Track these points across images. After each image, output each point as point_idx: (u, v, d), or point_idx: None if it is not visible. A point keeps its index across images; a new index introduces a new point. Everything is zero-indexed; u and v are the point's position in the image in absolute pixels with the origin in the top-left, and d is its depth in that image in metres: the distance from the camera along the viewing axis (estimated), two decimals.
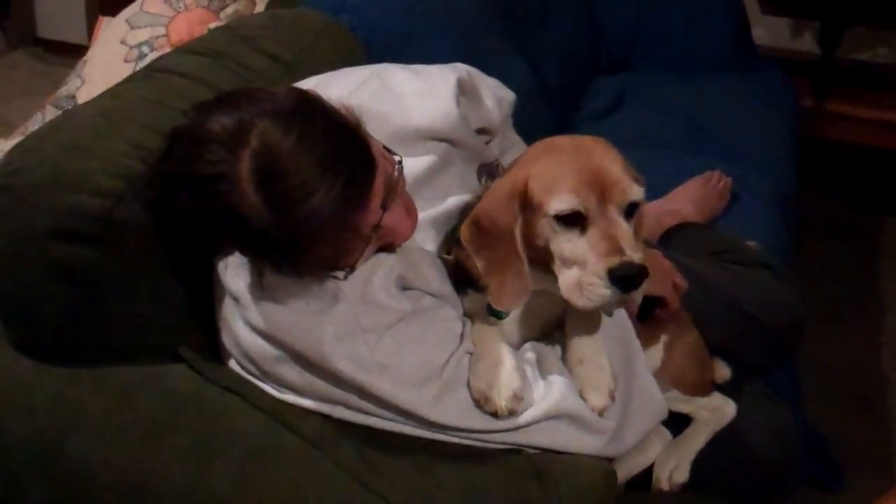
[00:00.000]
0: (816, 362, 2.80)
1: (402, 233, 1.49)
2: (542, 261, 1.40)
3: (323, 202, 1.26)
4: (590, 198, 1.33)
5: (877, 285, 3.49)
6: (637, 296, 1.32)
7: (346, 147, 1.32)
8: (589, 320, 1.50)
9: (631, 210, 1.37)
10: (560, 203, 1.34)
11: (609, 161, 1.37)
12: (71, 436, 1.41)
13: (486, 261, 1.43)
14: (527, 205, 1.39)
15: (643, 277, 1.30)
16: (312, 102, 1.36)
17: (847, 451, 2.61)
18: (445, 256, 1.58)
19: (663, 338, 1.71)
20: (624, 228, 1.33)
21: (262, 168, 1.26)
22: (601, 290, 1.30)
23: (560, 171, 1.37)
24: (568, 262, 1.35)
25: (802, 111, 3.49)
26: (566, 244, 1.35)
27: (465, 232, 1.45)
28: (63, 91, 2.57)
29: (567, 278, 1.35)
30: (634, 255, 1.30)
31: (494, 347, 1.43)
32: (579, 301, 1.33)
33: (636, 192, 1.37)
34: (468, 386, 1.41)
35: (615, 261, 1.29)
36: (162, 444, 1.39)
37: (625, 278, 1.29)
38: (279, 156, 1.26)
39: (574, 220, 1.34)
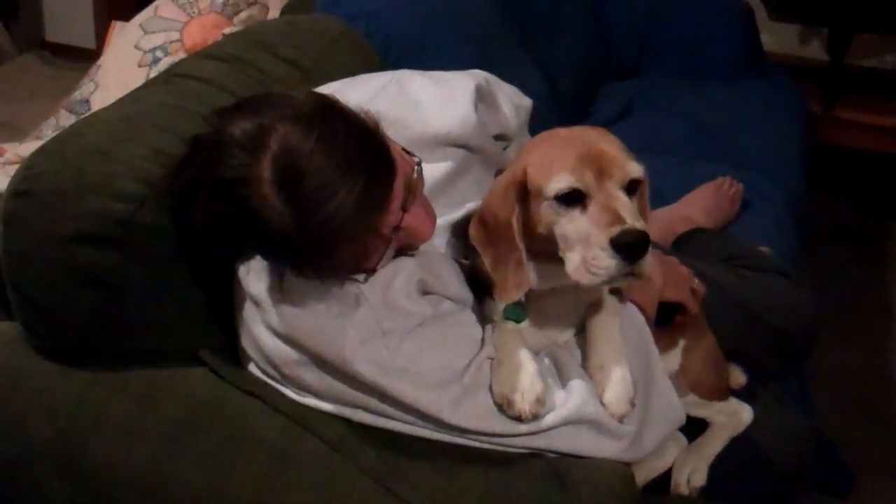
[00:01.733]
0: (825, 367, 2.80)
1: (422, 234, 1.49)
2: (550, 253, 1.41)
3: (344, 203, 1.27)
4: (587, 175, 1.35)
5: (884, 291, 3.49)
6: (644, 267, 1.31)
7: (365, 149, 1.33)
8: (609, 326, 1.50)
9: (632, 187, 1.38)
10: (558, 183, 1.36)
11: (605, 142, 1.40)
12: (92, 439, 1.42)
13: (491, 257, 1.45)
14: (527, 194, 1.41)
15: (646, 244, 1.30)
16: (331, 105, 1.37)
17: (856, 455, 2.61)
18: (463, 261, 1.59)
19: (681, 342, 1.71)
20: (624, 201, 1.34)
21: (283, 171, 1.27)
22: (606, 262, 1.30)
23: (556, 155, 1.39)
24: (572, 243, 1.36)
25: (811, 117, 3.49)
26: (569, 225, 1.37)
27: (472, 230, 1.48)
28: (77, 95, 2.59)
29: (573, 259, 1.36)
30: (636, 223, 1.30)
31: (516, 352, 1.44)
32: (586, 278, 1.33)
33: (635, 168, 1.38)
34: (490, 390, 1.42)
35: (616, 229, 1.29)
36: (183, 447, 1.40)
37: (628, 246, 1.29)
38: (300, 158, 1.27)
39: (574, 199, 1.36)
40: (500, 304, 1.52)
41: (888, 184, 3.96)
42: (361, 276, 1.42)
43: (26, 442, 1.45)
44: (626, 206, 1.33)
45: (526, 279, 1.44)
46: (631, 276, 1.32)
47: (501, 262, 1.44)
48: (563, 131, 1.49)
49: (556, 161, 1.38)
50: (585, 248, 1.33)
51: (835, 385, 2.90)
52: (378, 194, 1.33)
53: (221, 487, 1.37)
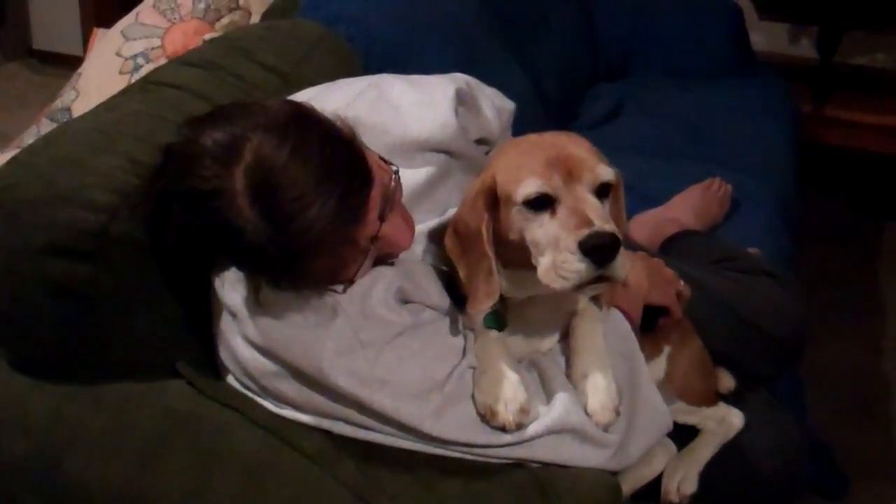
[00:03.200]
0: (818, 368, 2.78)
1: (401, 243, 1.47)
2: (523, 260, 1.39)
3: (319, 215, 1.25)
4: (555, 179, 1.34)
5: (877, 290, 3.48)
6: (615, 270, 1.29)
7: (341, 159, 1.31)
8: (592, 334, 1.49)
9: (603, 191, 1.37)
10: (526, 188, 1.34)
11: (574, 146, 1.39)
12: (68, 454, 1.40)
13: (464, 268, 1.44)
14: (497, 201, 1.40)
15: (616, 247, 1.28)
16: (306, 115, 1.35)
17: (850, 457, 2.59)
18: (443, 268, 1.57)
19: (666, 349, 1.69)
20: (593, 204, 1.32)
21: (256, 182, 1.25)
22: (575, 266, 1.28)
23: (524, 160, 1.38)
24: (542, 248, 1.34)
25: (801, 116, 3.48)
26: (538, 229, 1.35)
27: (446, 241, 1.47)
28: (58, 103, 2.56)
29: (543, 263, 1.33)
30: (605, 225, 1.28)
31: (498, 361, 1.42)
32: (556, 283, 1.31)
33: (605, 171, 1.36)
34: (473, 400, 1.40)
35: (584, 232, 1.27)
36: (160, 461, 1.38)
37: (596, 248, 1.27)
38: (273, 169, 1.25)
39: (542, 204, 1.34)
40: (480, 314, 1.50)
41: (880, 182, 3.95)
42: (340, 287, 1.39)
43: (1, 457, 1.43)
44: (595, 209, 1.31)
45: (496, 288, 1.42)
46: (602, 279, 1.30)
47: (473, 271, 1.43)
48: (532, 137, 1.47)
49: (524, 166, 1.37)
50: (555, 253, 1.31)
51: (828, 386, 2.88)
52: (354, 205, 1.31)
53: (199, 501, 1.35)
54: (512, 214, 1.38)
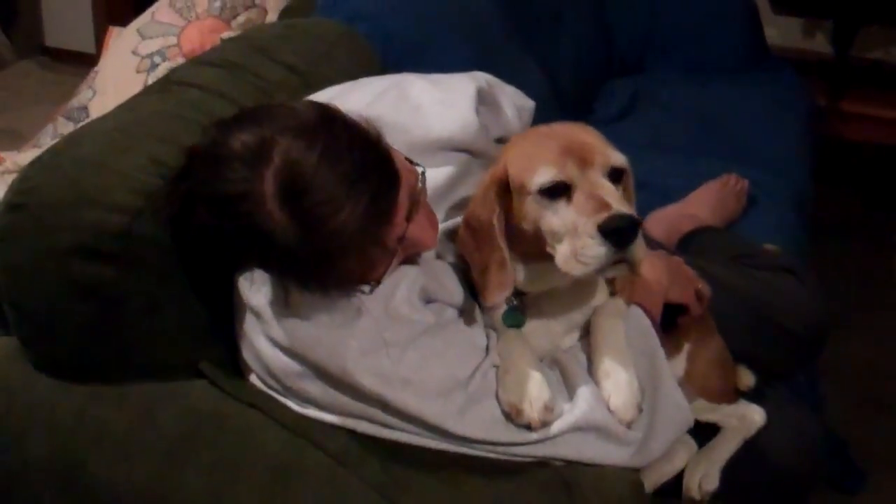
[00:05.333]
0: (834, 363, 2.76)
1: (426, 243, 1.47)
2: (538, 252, 1.40)
3: (349, 218, 1.25)
4: (569, 165, 1.35)
5: (892, 285, 3.47)
6: (635, 253, 1.30)
7: (370, 161, 1.31)
8: (614, 331, 1.49)
9: (616, 175, 1.38)
10: (541, 176, 1.36)
11: (584, 133, 1.41)
12: (93, 454, 1.40)
13: (476, 261, 1.45)
14: (510, 192, 1.41)
15: (636, 228, 1.29)
16: (334, 117, 1.34)
17: (866, 452, 2.60)
18: (464, 267, 1.57)
19: (686, 346, 1.69)
20: (609, 187, 1.34)
21: (286, 185, 1.24)
22: (595, 250, 1.29)
23: (536, 150, 1.40)
24: (559, 236, 1.35)
25: (817, 111, 3.46)
26: (554, 217, 1.36)
27: (459, 236, 1.48)
28: (75, 102, 2.57)
29: (562, 251, 1.34)
30: (623, 207, 1.29)
31: (521, 359, 1.42)
32: (577, 269, 1.32)
33: (617, 157, 1.38)
34: (497, 399, 1.40)
35: (603, 215, 1.28)
36: (185, 461, 1.38)
37: (616, 231, 1.28)
38: (304, 172, 1.24)
39: (558, 191, 1.36)
40: (499, 311, 1.52)
41: (895, 176, 3.93)
42: (367, 287, 1.39)
43: (25, 458, 1.43)
44: (611, 193, 1.32)
45: (509, 280, 1.43)
46: (622, 262, 1.31)
47: (485, 263, 1.44)
48: (541, 128, 1.50)
49: (536, 155, 1.38)
50: (574, 239, 1.32)
51: (845, 381, 2.88)
52: (383, 207, 1.31)
53: (224, 502, 1.35)
54: (526, 204, 1.39)
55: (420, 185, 1.42)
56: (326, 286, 1.34)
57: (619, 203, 1.30)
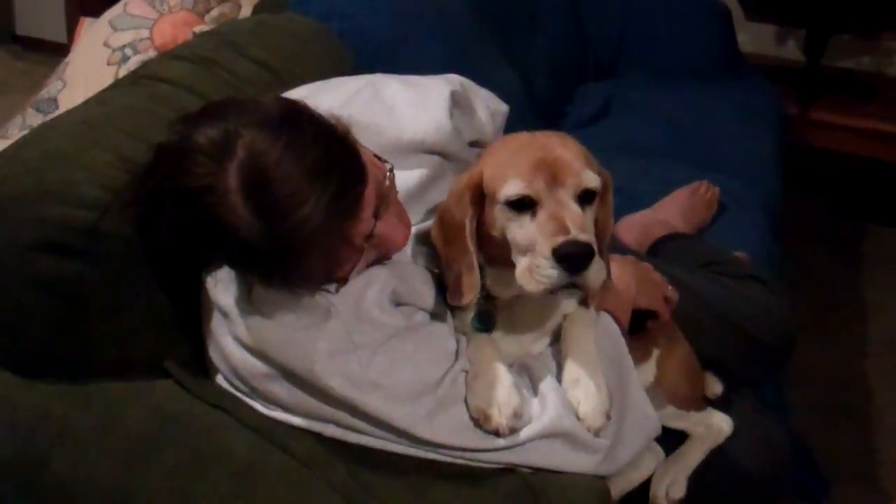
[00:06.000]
0: (800, 371, 2.79)
1: (396, 242, 1.46)
2: (506, 258, 1.40)
3: (313, 212, 1.24)
4: (538, 182, 1.35)
5: (860, 293, 3.49)
6: (588, 279, 1.30)
7: (335, 156, 1.30)
8: (583, 338, 1.49)
9: (587, 197, 1.38)
10: (509, 188, 1.36)
11: (562, 148, 1.39)
12: (55, 453, 1.37)
13: (445, 259, 1.46)
14: (483, 197, 1.42)
15: (589, 257, 1.29)
16: (299, 111, 1.34)
17: (832, 460, 2.60)
18: (436, 271, 1.56)
19: (655, 352, 1.70)
20: (573, 210, 1.34)
21: (249, 179, 1.23)
22: (548, 271, 1.30)
23: (511, 160, 1.40)
24: (521, 249, 1.36)
25: (787, 119, 3.48)
26: (519, 230, 1.37)
27: (432, 230, 1.49)
28: (44, 93, 2.53)
29: (521, 265, 1.35)
30: (581, 234, 1.29)
31: (491, 364, 1.42)
32: (531, 285, 1.33)
33: (590, 178, 1.37)
34: (466, 404, 1.40)
35: (559, 240, 1.29)
36: (148, 462, 1.35)
37: (568, 257, 1.29)
38: (267, 166, 1.23)
39: (524, 205, 1.36)
40: (469, 314, 1.51)
41: (864, 185, 3.97)
42: (333, 287, 1.38)
43: None
44: (573, 217, 1.32)
45: (476, 282, 1.44)
46: (574, 287, 1.32)
47: (455, 263, 1.45)
48: (524, 136, 1.48)
49: (510, 166, 1.38)
50: (531, 256, 1.33)
51: (811, 388, 2.89)
52: (348, 202, 1.30)
53: (188, 503, 1.33)
54: (496, 212, 1.39)
55: (388, 182, 1.41)
56: (291, 283, 1.32)
57: (577, 228, 1.30)
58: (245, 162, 1.24)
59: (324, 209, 1.24)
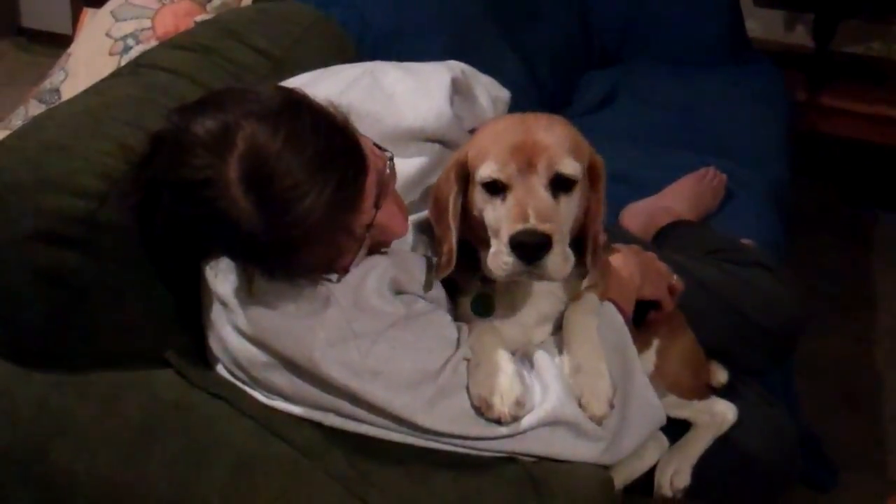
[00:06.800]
0: (809, 359, 2.77)
1: (396, 230, 1.45)
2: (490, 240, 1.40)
3: (315, 204, 1.23)
4: (510, 166, 1.35)
5: (869, 281, 3.46)
6: (546, 269, 1.30)
7: (336, 147, 1.29)
8: (587, 326, 1.47)
9: (563, 185, 1.37)
10: (484, 170, 1.37)
11: (545, 133, 1.38)
12: (55, 443, 1.38)
13: (437, 235, 1.48)
14: (469, 176, 1.42)
15: (544, 248, 1.29)
16: (299, 102, 1.33)
17: (839, 449, 2.58)
18: (435, 259, 1.55)
19: (655, 342, 1.68)
20: (540, 198, 1.33)
21: (250, 171, 1.22)
22: (505, 258, 1.31)
23: (493, 141, 1.39)
24: (493, 231, 1.36)
25: (795, 105, 3.46)
26: (491, 213, 1.37)
27: (429, 206, 1.50)
28: (47, 84, 2.54)
29: (491, 249, 1.35)
30: (541, 224, 1.29)
31: (493, 352, 1.41)
32: (494, 271, 1.34)
33: (566, 165, 1.36)
34: (468, 393, 1.39)
35: (517, 228, 1.29)
36: (148, 451, 1.36)
37: (522, 245, 1.29)
38: (268, 158, 1.22)
39: (497, 188, 1.36)
40: (468, 299, 1.51)
41: (873, 172, 3.94)
42: (334, 276, 1.37)
43: None
44: (540, 205, 1.32)
45: (452, 259, 1.45)
46: (533, 275, 1.33)
47: (441, 238, 1.47)
48: (514, 117, 1.47)
49: (489, 147, 1.38)
50: (496, 241, 1.33)
51: (819, 377, 2.87)
52: (350, 193, 1.29)
53: (188, 493, 1.34)
54: (476, 192, 1.40)
55: (388, 171, 1.40)
56: (293, 274, 1.32)
57: (539, 218, 1.30)
58: (245, 154, 1.23)
59: (325, 201, 1.24)
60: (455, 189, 1.42)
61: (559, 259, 1.30)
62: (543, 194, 1.33)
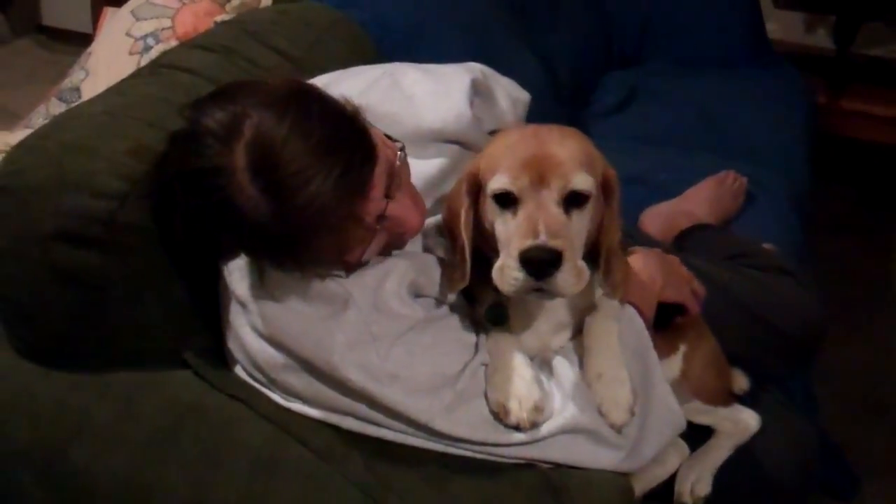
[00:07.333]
0: (829, 365, 2.73)
1: (409, 224, 1.44)
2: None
3: (321, 190, 1.23)
4: (522, 179, 1.32)
5: (888, 285, 3.44)
6: (558, 288, 1.28)
7: (342, 133, 1.29)
8: (607, 332, 1.46)
9: (576, 200, 1.35)
10: (495, 182, 1.35)
11: (558, 147, 1.36)
12: (74, 443, 1.39)
13: (449, 246, 1.47)
14: (481, 188, 1.40)
15: (555, 264, 1.27)
16: (307, 91, 1.34)
17: (861, 457, 2.56)
18: None
19: (682, 347, 1.66)
20: (552, 213, 1.31)
21: (256, 158, 1.23)
22: (514, 274, 1.28)
23: (504, 154, 1.37)
24: (502, 245, 1.34)
25: (816, 108, 3.43)
26: (502, 226, 1.35)
27: (442, 218, 1.49)
28: (67, 83, 2.54)
29: (499, 262, 1.33)
30: (551, 240, 1.27)
31: (511, 358, 1.40)
32: (501, 283, 1.31)
33: (579, 180, 1.34)
34: (486, 398, 1.38)
35: (526, 243, 1.27)
36: (166, 453, 1.36)
37: (532, 262, 1.26)
38: (273, 145, 1.23)
39: (508, 202, 1.34)
40: (482, 308, 1.50)
41: (894, 175, 3.90)
42: (343, 273, 1.38)
43: (5, 446, 1.42)
44: (551, 220, 1.29)
45: (465, 273, 1.42)
46: (543, 293, 1.30)
47: (452, 252, 1.45)
48: (527, 129, 1.45)
49: (502, 160, 1.36)
50: (505, 255, 1.31)
51: (840, 383, 2.84)
52: (357, 179, 1.28)
53: (206, 495, 1.34)
54: (487, 204, 1.38)
55: (400, 161, 1.39)
56: (302, 265, 1.32)
57: (549, 234, 1.27)
58: (252, 141, 1.24)
59: (331, 186, 1.24)
60: (467, 202, 1.40)
61: (570, 275, 1.28)
62: (555, 210, 1.31)
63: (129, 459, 1.37)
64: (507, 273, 1.29)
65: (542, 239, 1.26)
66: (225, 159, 1.24)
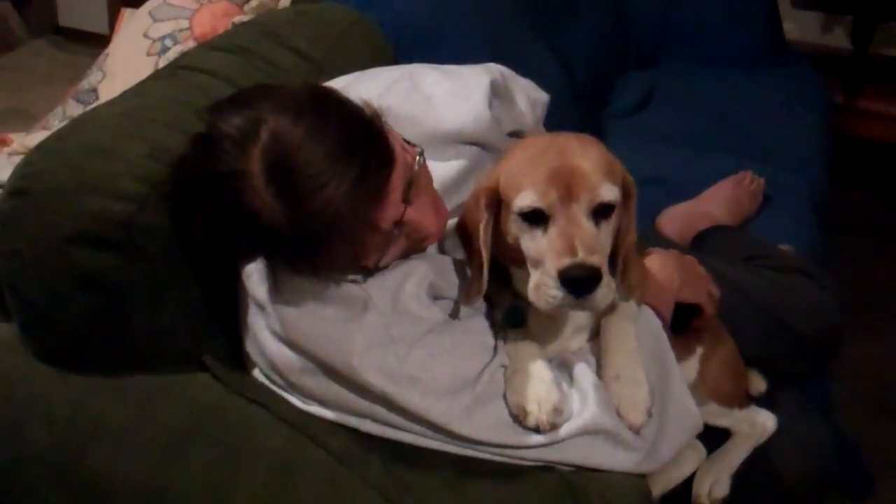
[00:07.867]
0: (845, 366, 2.71)
1: (429, 229, 1.44)
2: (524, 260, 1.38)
3: (335, 194, 1.23)
4: (551, 195, 1.30)
5: None
6: (596, 303, 1.28)
7: (359, 137, 1.29)
8: (624, 333, 1.45)
9: (604, 211, 1.33)
10: (522, 200, 1.32)
11: (581, 158, 1.33)
12: (91, 447, 1.38)
13: (466, 257, 1.45)
14: (500, 202, 1.38)
15: (595, 281, 1.26)
16: (325, 95, 1.34)
17: (877, 457, 2.55)
18: None
19: (699, 349, 1.66)
20: (585, 228, 1.29)
21: (272, 162, 1.23)
22: (553, 292, 1.27)
23: (527, 168, 1.35)
24: (533, 262, 1.33)
25: (833, 108, 3.42)
26: (531, 243, 1.33)
27: (457, 226, 1.47)
28: (84, 84, 2.55)
29: (533, 280, 1.32)
30: (589, 257, 1.26)
31: (530, 360, 1.39)
32: (538, 301, 1.30)
33: (606, 191, 1.32)
34: (505, 400, 1.37)
35: (565, 262, 1.26)
36: (184, 456, 1.36)
37: (573, 280, 1.26)
38: (289, 149, 1.23)
39: (537, 218, 1.32)
40: (499, 312, 1.50)
41: None
42: (360, 277, 1.38)
43: (23, 449, 1.41)
44: (585, 236, 1.28)
45: (481, 288, 1.41)
46: (580, 308, 1.30)
47: (469, 264, 1.44)
48: (544, 139, 1.43)
49: (525, 175, 1.34)
50: (540, 273, 1.30)
51: (856, 383, 2.83)
52: (372, 185, 1.28)
53: (224, 499, 1.33)
54: (511, 221, 1.36)
55: (418, 166, 1.39)
56: (318, 269, 1.32)
57: (587, 251, 1.26)
58: (268, 146, 1.24)
59: (347, 191, 1.23)
60: (486, 217, 1.39)
61: (608, 289, 1.28)
62: (587, 224, 1.30)
63: (147, 463, 1.36)
64: (545, 291, 1.28)
65: (581, 257, 1.26)
66: (241, 164, 1.24)
